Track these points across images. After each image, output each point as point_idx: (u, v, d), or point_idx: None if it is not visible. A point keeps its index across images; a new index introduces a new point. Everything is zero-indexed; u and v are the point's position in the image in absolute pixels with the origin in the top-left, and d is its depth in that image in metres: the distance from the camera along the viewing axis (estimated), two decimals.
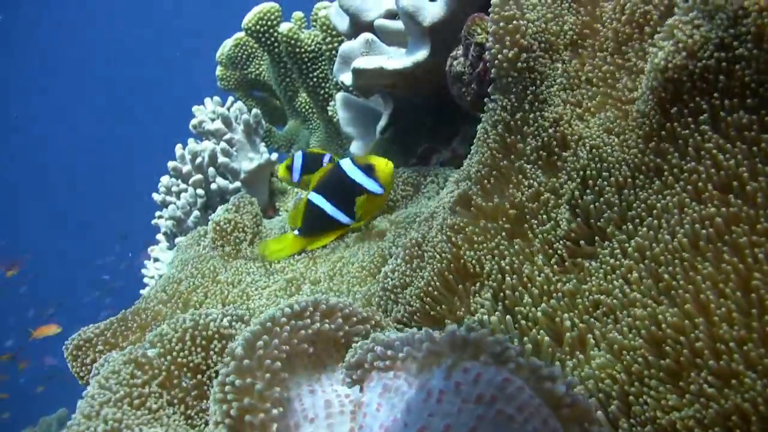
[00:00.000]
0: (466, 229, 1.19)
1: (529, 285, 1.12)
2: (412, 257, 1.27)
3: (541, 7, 1.18)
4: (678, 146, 0.99)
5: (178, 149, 2.35)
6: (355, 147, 2.24)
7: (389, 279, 1.28)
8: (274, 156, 2.49)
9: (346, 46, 1.82)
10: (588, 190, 1.10)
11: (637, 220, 1.03)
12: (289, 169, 1.95)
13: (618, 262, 1.02)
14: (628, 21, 1.14)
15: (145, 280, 2.67)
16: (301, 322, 0.88)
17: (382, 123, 2.08)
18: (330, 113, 2.49)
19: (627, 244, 1.03)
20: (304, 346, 0.86)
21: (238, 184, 2.33)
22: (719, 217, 0.90)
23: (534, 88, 1.19)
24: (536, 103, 1.19)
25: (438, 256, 1.20)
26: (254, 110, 2.50)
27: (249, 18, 2.48)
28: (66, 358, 1.62)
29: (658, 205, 1.00)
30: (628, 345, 0.94)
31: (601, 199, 1.08)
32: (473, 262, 1.17)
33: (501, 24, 1.16)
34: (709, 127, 0.95)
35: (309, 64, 2.44)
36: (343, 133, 2.27)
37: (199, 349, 1.13)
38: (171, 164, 2.33)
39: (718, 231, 0.90)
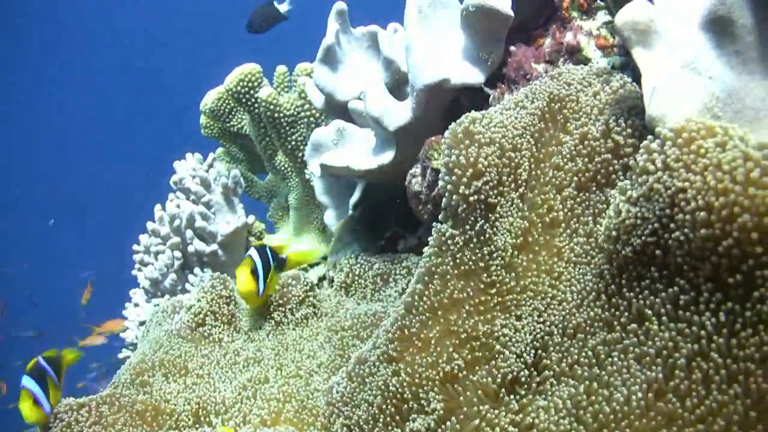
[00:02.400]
0: (405, 363, 1.22)
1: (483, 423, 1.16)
2: (354, 376, 1.30)
3: (493, 146, 1.21)
4: (626, 306, 1.03)
5: (157, 210, 2.38)
6: (328, 216, 2.27)
7: (334, 392, 1.33)
8: (251, 218, 2.52)
9: (317, 134, 1.86)
10: (535, 336, 1.14)
11: (586, 367, 1.07)
12: (255, 274, 1.74)
13: (557, 418, 1.06)
14: (588, 164, 1.17)
15: (126, 323, 2.69)
16: None
17: (354, 198, 2.11)
18: (307, 176, 2.52)
19: (569, 395, 1.07)
20: None
21: (215, 246, 2.37)
22: (657, 385, 0.94)
23: (484, 222, 1.22)
24: (486, 237, 1.22)
25: (376, 389, 1.23)
26: (233, 171, 2.53)
27: (230, 79, 2.51)
28: (52, 424, 1.62)
29: (607, 361, 1.04)
30: None
31: (550, 344, 1.12)
32: (411, 396, 1.20)
33: (451, 163, 1.20)
34: (649, 294, 0.99)
35: (287, 128, 2.47)
36: (318, 200, 2.30)
37: None
38: (150, 225, 2.37)
39: (656, 398, 0.94)
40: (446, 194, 1.23)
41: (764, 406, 0.84)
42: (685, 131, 0.89)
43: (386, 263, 1.83)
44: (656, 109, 0.95)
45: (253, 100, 2.50)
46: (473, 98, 1.64)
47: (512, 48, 1.56)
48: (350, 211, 2.16)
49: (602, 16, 1.50)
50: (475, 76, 1.55)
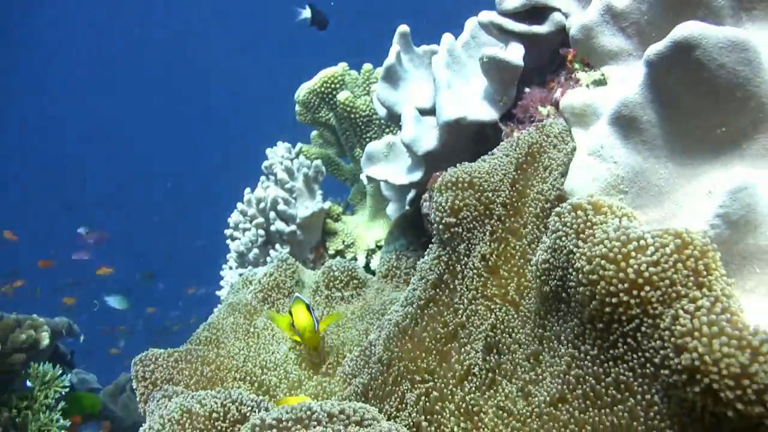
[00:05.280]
0: (399, 350, 1.55)
1: (447, 402, 1.49)
2: (363, 355, 1.65)
3: (471, 189, 1.50)
4: (550, 328, 1.31)
5: (247, 193, 2.81)
6: (390, 209, 2.61)
7: (346, 365, 1.67)
8: (327, 204, 2.90)
9: (371, 147, 2.18)
10: (493, 343, 1.44)
11: (525, 370, 1.37)
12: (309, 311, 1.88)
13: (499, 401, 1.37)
14: (542, 210, 1.45)
15: (222, 282, 3.15)
16: None
17: (410, 196, 2.44)
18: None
19: (509, 391, 1.37)
20: None
21: (294, 227, 2.77)
22: (558, 394, 1.23)
23: (465, 244, 1.52)
24: (466, 256, 1.52)
25: (376, 365, 1.57)
26: (315, 162, 2.91)
27: (315, 81, 2.88)
28: (134, 365, 2.06)
29: (537, 369, 1.34)
30: None
31: (503, 350, 1.42)
32: (401, 376, 1.54)
33: (437, 203, 1.51)
34: (561, 322, 1.27)
35: (363, 127, 2.81)
36: (384, 194, 2.64)
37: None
38: (239, 206, 2.80)
39: (558, 403, 1.24)
40: (434, 224, 1.54)
41: (619, 420, 1.12)
42: (579, 207, 1.16)
43: (417, 260, 2.15)
44: (568, 185, 1.22)
45: (334, 100, 2.85)
46: (495, 128, 1.92)
47: (526, 89, 1.81)
48: (407, 207, 2.48)
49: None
50: (489, 114, 1.82)
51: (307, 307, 1.88)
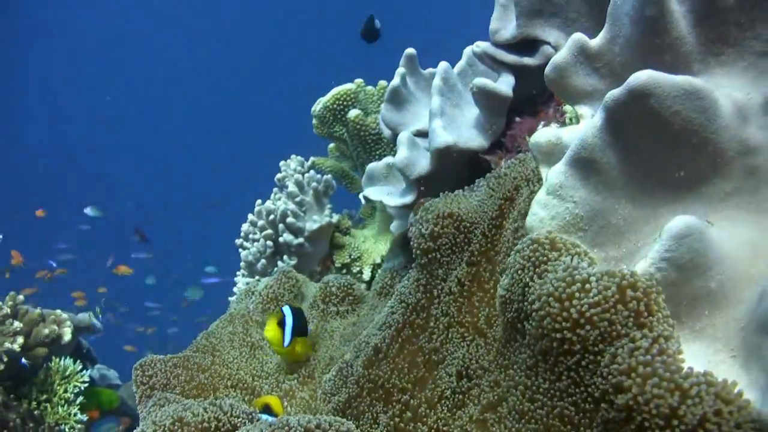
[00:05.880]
0: (375, 371, 1.61)
1: (420, 424, 1.54)
2: (341, 375, 1.71)
3: (450, 219, 1.55)
4: (509, 357, 1.36)
5: (257, 205, 2.89)
6: (393, 226, 2.67)
7: (325, 384, 1.74)
8: (335, 218, 2.97)
9: (371, 167, 2.24)
10: (459, 364, 1.49)
11: (487, 393, 1.42)
12: (281, 326, 1.96)
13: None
14: (512, 243, 1.50)
15: (235, 289, 3.24)
16: None
17: (411, 216, 2.49)
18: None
19: (472, 412, 1.42)
20: None
21: (301, 240, 2.84)
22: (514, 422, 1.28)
23: (443, 269, 1.58)
24: (443, 281, 1.58)
25: (353, 386, 1.64)
26: (326, 176, 2.98)
27: (327, 98, 2.95)
28: (134, 369, 2.15)
29: (496, 391, 1.38)
30: None
31: (472, 376, 1.47)
32: (377, 397, 1.60)
33: (416, 229, 1.56)
34: (517, 351, 1.31)
35: (372, 144, 2.87)
36: (388, 210, 2.70)
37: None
38: (250, 217, 2.89)
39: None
40: (414, 249, 1.59)
41: None
42: (537, 242, 1.20)
43: None
44: (528, 222, 1.26)
45: (345, 117, 2.93)
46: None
47: (517, 119, 1.86)
48: (408, 225, 2.54)
49: None
50: (479, 142, 1.87)
51: (280, 321, 1.94)
